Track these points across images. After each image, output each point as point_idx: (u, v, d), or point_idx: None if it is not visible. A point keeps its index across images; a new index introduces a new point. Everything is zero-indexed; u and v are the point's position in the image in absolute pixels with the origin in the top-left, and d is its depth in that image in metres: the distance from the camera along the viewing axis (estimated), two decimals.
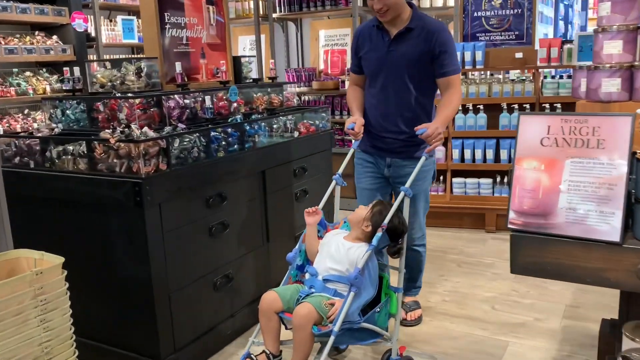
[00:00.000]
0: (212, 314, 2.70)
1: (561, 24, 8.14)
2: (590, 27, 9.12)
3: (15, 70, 4.34)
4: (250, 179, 2.91)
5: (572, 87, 2.76)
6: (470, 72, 4.57)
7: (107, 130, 2.41)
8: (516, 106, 4.25)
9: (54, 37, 4.54)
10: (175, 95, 2.68)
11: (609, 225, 1.33)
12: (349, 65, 5.65)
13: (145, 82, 2.70)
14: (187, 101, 2.71)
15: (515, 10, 4.53)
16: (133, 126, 2.38)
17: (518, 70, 4.68)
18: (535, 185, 1.42)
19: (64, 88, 2.73)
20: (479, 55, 4.36)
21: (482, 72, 4.54)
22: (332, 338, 1.99)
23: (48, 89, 4.39)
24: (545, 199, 1.40)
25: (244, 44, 6.02)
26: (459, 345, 2.70)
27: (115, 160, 2.34)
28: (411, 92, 2.61)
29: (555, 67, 4.28)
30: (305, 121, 3.37)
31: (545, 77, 4.40)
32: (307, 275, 2.26)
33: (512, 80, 4.33)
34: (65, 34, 4.56)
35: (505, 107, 4.28)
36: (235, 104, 3.00)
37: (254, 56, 3.72)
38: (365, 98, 2.77)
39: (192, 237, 2.54)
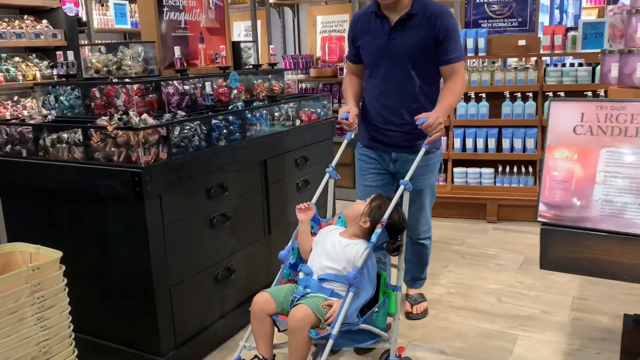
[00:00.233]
0: (214, 308, 2.62)
1: (557, 12, 8.09)
2: (585, 16, 9.08)
3: (3, 55, 4.19)
4: (252, 169, 2.81)
5: (601, 73, 2.64)
6: (472, 60, 4.48)
7: (103, 117, 2.29)
8: (519, 95, 4.18)
9: (44, 21, 4.38)
10: (174, 81, 2.57)
11: None
12: (347, 53, 5.56)
13: (142, 67, 2.58)
14: (186, 87, 2.59)
15: None
16: (131, 113, 2.27)
17: (515, 59, 4.60)
18: (568, 176, 1.34)
19: (57, 73, 2.61)
20: (482, 43, 4.27)
21: (484, 60, 4.46)
22: (330, 342, 1.88)
23: (38, 75, 4.24)
24: (578, 190, 1.32)
25: (239, 30, 5.88)
26: (468, 339, 2.63)
27: (113, 149, 2.23)
28: (415, 81, 2.48)
29: (559, 54, 4.21)
30: (306, 109, 3.27)
31: (547, 65, 4.32)
32: (301, 274, 2.14)
33: (515, 68, 4.24)
34: (55, 19, 4.40)
35: (507, 95, 4.21)
36: (235, 91, 2.89)
37: (253, 41, 3.60)
38: (365, 89, 2.63)
39: (193, 229, 2.45)
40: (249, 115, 2.77)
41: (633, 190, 1.27)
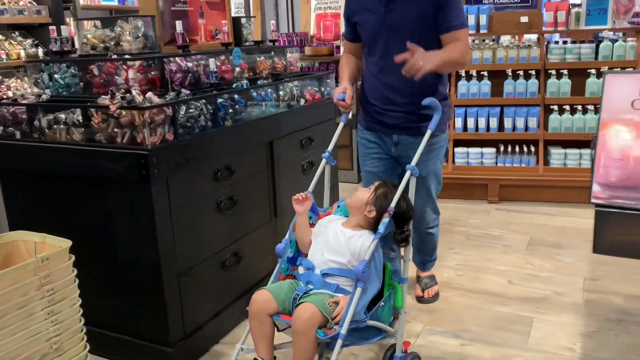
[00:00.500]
0: (221, 296, 2.52)
1: None
2: None
3: None
4: (258, 151, 2.69)
5: None
6: (473, 37, 4.37)
7: (104, 97, 2.15)
8: (521, 73, 4.10)
9: None
10: (177, 58, 2.42)
11: None
12: (343, 30, 5.42)
13: (143, 43, 2.43)
14: (189, 64, 2.45)
15: None
16: (134, 92, 2.13)
17: (509, 36, 4.51)
18: (625, 153, 1.26)
19: (50, 50, 2.45)
20: (483, 19, 4.17)
21: (486, 37, 4.36)
22: (339, 342, 1.71)
23: (23, 54, 4.04)
24: (637, 169, 1.24)
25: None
26: (482, 322, 2.58)
27: (115, 130, 2.10)
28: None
29: (562, 32, 4.13)
30: (309, 88, 3.15)
31: (548, 42, 4.24)
32: (301, 269, 1.98)
33: (518, 45, 4.16)
34: None
35: (510, 73, 4.13)
36: (238, 69, 2.76)
37: (253, 17, 3.45)
38: (365, 68, 2.46)
39: (199, 214, 2.33)
40: (254, 94, 2.64)
41: None
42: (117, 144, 2.10)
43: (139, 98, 2.10)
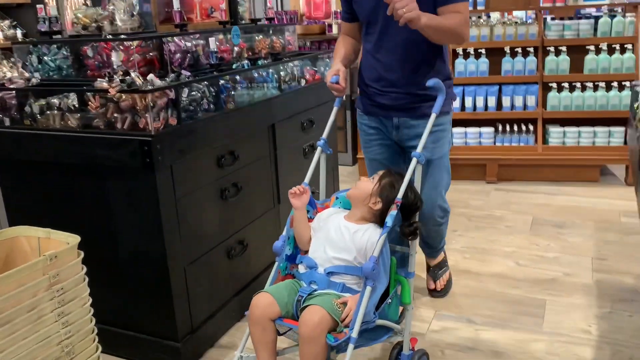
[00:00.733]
0: (227, 286, 2.42)
1: None
2: None
3: None
4: (261, 134, 2.58)
5: None
6: (471, 14, 4.28)
7: (101, 80, 2.01)
8: (519, 50, 4.03)
9: None
10: (175, 38, 2.29)
11: None
12: (334, 7, 5.28)
13: (138, 22, 2.29)
14: (188, 44, 2.32)
15: None
16: (133, 74, 2.00)
17: (498, 14, 4.39)
18: None
19: (39, 30, 2.29)
20: None
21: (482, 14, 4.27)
22: (351, 347, 1.57)
23: (0, 36, 3.83)
24: None
25: None
26: (495, 306, 2.53)
27: (115, 115, 1.97)
28: (418, 32, 2.03)
29: (560, 8, 4.06)
30: (308, 68, 3.03)
31: (544, 18, 4.18)
32: (301, 268, 1.83)
33: (516, 22, 4.08)
34: None
35: (508, 51, 4.05)
36: (237, 48, 2.63)
37: None
38: (363, 50, 2.29)
39: (204, 202, 2.23)
40: (255, 75, 2.52)
41: None
42: (117, 130, 1.98)
43: (139, 81, 1.97)
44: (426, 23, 1.88)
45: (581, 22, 3.96)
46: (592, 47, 3.91)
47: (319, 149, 2.01)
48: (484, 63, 4.09)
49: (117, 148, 1.95)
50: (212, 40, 2.34)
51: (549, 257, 2.97)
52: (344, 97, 2.16)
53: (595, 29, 3.95)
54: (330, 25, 4.74)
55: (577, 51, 3.97)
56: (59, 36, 2.32)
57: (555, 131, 4.02)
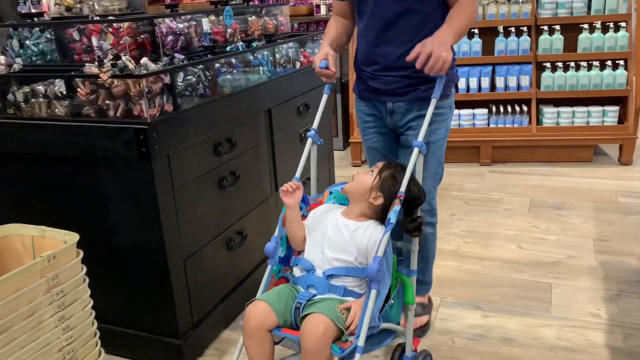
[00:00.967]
0: (227, 279, 2.33)
1: None
2: None
3: None
4: (257, 120, 2.47)
5: None
6: None
7: (90, 64, 1.88)
8: (513, 29, 3.96)
9: None
10: (166, 19, 2.16)
11: None
12: None
13: (126, 2, 2.15)
14: (180, 25, 2.19)
15: None
16: (124, 58, 1.87)
17: None
18: None
19: (19, 12, 2.14)
20: None
21: None
22: (357, 357, 1.44)
23: None
24: None
25: None
26: (501, 291, 2.48)
27: (107, 102, 1.85)
28: (414, 11, 1.90)
29: None
30: (302, 50, 2.92)
31: None
32: (297, 271, 1.70)
33: (509, 0, 3.99)
34: None
35: (501, 30, 3.98)
36: (230, 30, 2.50)
37: None
38: (357, 31, 2.07)
39: (202, 192, 2.12)
40: (251, 57, 2.41)
41: None
42: (109, 118, 1.86)
43: (131, 65, 1.84)
44: (454, 43, 1.76)
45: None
46: (585, 26, 3.85)
47: (309, 140, 1.84)
48: (477, 43, 4.02)
49: (110, 137, 1.83)
50: (205, 21, 2.22)
51: (551, 240, 2.93)
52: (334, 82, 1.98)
53: (589, 7, 3.89)
54: (318, 6, 4.61)
55: (570, 30, 3.91)
56: (41, 18, 2.17)
57: (549, 112, 3.98)
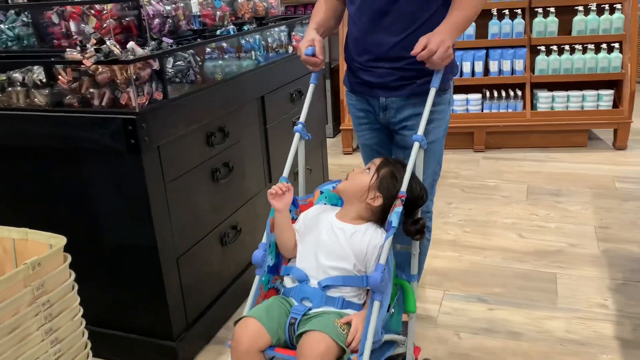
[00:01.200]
0: (222, 275, 2.23)
1: None
2: None
3: None
4: (250, 108, 2.35)
5: None
6: None
7: (71, 50, 1.74)
8: (507, 12, 3.86)
9: None
10: (152, 0, 2.01)
11: None
12: None
13: None
14: (167, 8, 2.05)
15: None
16: (108, 42, 1.73)
17: None
18: None
19: None
20: None
21: None
22: None
23: None
24: None
25: None
26: (505, 282, 2.41)
27: (91, 90, 1.71)
28: None
29: None
30: (294, 34, 2.79)
31: None
32: (288, 281, 1.54)
33: None
34: None
35: (495, 13, 3.88)
36: (219, 12, 2.36)
37: None
38: (348, 15, 1.87)
39: (195, 186, 2.01)
40: (243, 42, 2.28)
41: None
42: (94, 107, 1.72)
43: (117, 50, 1.70)
44: (455, 37, 1.63)
45: None
46: (580, 8, 3.77)
47: (296, 136, 1.69)
48: (470, 26, 3.91)
49: (96, 128, 1.70)
50: (193, 3, 2.08)
51: (551, 228, 2.87)
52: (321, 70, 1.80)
53: None
54: None
55: (565, 12, 3.83)
56: (16, 0, 2.01)
57: (543, 96, 3.91)
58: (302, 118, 1.72)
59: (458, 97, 3.99)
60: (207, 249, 2.09)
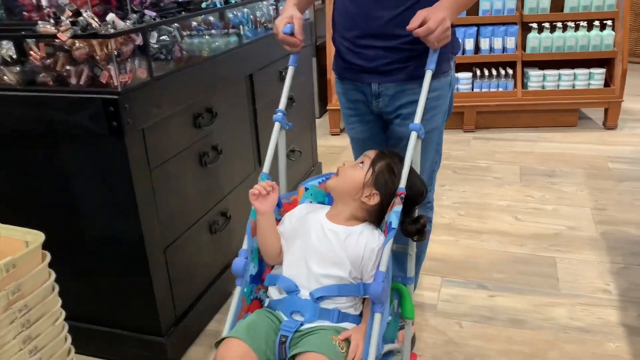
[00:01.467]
0: (211, 265, 2.11)
1: None
2: None
3: None
4: (238, 87, 2.22)
5: None
6: None
7: (44, 23, 1.57)
8: None
9: None
10: None
11: None
12: None
13: None
14: None
15: None
16: (85, 14, 1.57)
17: None
18: None
19: None
20: None
21: None
22: None
23: None
24: None
25: None
26: (503, 267, 2.34)
27: (68, 68, 1.55)
28: None
29: None
30: (282, 7, 2.63)
31: None
32: (274, 292, 1.36)
33: None
34: None
35: None
36: None
37: None
38: None
39: (182, 171, 1.87)
40: (230, 15, 2.13)
41: None
42: (71, 86, 1.57)
43: (95, 23, 1.54)
44: (454, 10, 1.44)
45: None
46: None
47: (276, 125, 1.50)
48: None
49: (74, 110, 1.55)
50: None
51: (547, 210, 2.81)
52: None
53: None
54: None
55: None
56: None
57: (534, 75, 3.82)
58: (282, 105, 1.53)
59: None
60: (195, 238, 1.97)
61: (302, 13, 1.61)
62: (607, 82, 3.81)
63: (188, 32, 1.84)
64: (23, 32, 1.59)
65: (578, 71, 3.78)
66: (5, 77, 1.63)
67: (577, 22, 3.73)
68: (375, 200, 1.34)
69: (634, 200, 2.85)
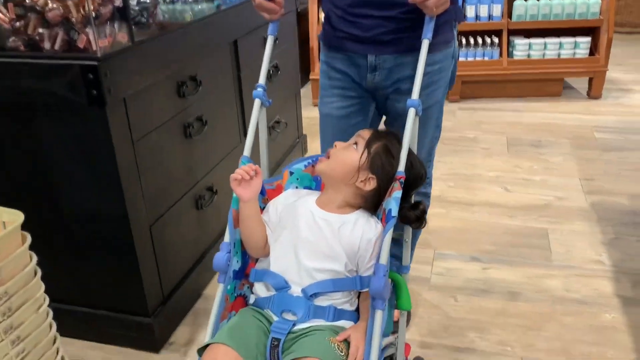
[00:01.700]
0: (198, 242, 2.02)
1: None
2: None
3: None
4: (222, 53, 2.10)
5: None
6: None
7: None
8: None
9: None
10: None
11: None
12: None
13: None
14: None
15: None
16: None
17: None
18: None
19: None
20: None
21: None
22: None
23: None
24: None
25: None
26: (496, 239, 2.31)
27: (40, 31, 1.42)
28: None
29: None
30: None
31: None
32: (261, 289, 1.24)
33: None
34: None
35: None
36: None
37: None
38: None
39: (166, 144, 1.77)
40: None
41: None
42: (45, 51, 1.44)
43: None
44: None
45: None
46: None
47: (256, 102, 1.36)
48: None
49: (49, 78, 1.42)
50: None
51: (536, 180, 2.78)
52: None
53: None
54: None
55: None
56: None
57: (520, 43, 3.76)
58: (262, 80, 1.39)
59: None
60: (181, 214, 1.88)
61: None
62: (592, 51, 3.78)
63: None
64: None
65: (564, 40, 3.74)
66: None
67: None
68: (371, 185, 1.22)
69: (621, 170, 2.84)
